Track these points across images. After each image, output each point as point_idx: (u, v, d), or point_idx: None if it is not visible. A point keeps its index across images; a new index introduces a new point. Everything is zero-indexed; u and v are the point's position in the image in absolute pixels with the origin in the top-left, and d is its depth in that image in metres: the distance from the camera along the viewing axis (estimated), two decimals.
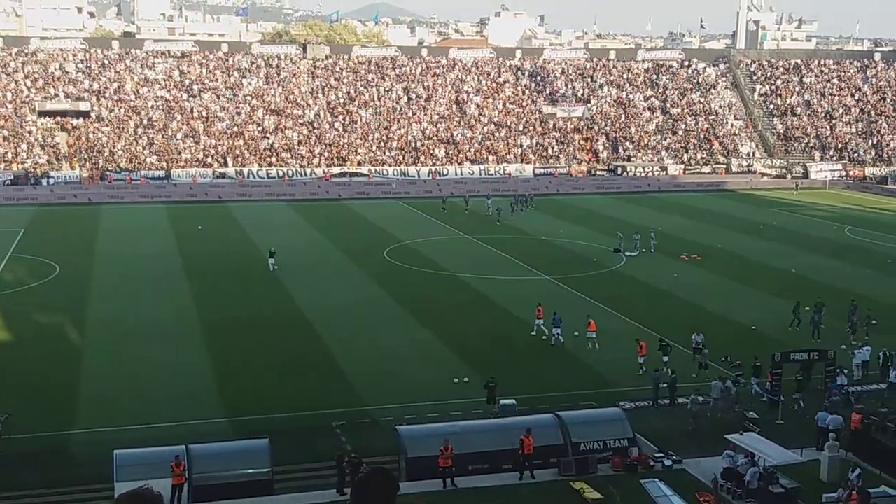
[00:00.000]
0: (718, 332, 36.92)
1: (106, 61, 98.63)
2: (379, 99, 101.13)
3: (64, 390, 30.84)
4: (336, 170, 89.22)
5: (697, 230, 63.68)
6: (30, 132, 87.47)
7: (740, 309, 42.34)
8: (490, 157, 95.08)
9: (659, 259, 53.59)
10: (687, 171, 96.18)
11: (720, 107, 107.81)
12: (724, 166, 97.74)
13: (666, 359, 33.13)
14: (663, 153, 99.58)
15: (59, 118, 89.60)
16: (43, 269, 48.70)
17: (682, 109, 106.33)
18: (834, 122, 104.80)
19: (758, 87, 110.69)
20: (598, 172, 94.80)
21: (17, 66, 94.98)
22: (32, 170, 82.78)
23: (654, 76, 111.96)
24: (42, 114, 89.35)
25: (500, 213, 66.67)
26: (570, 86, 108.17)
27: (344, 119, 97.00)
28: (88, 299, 42.88)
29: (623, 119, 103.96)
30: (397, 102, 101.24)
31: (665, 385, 30.93)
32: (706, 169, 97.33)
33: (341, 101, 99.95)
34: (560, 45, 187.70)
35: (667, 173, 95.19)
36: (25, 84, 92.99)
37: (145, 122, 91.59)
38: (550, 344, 36.13)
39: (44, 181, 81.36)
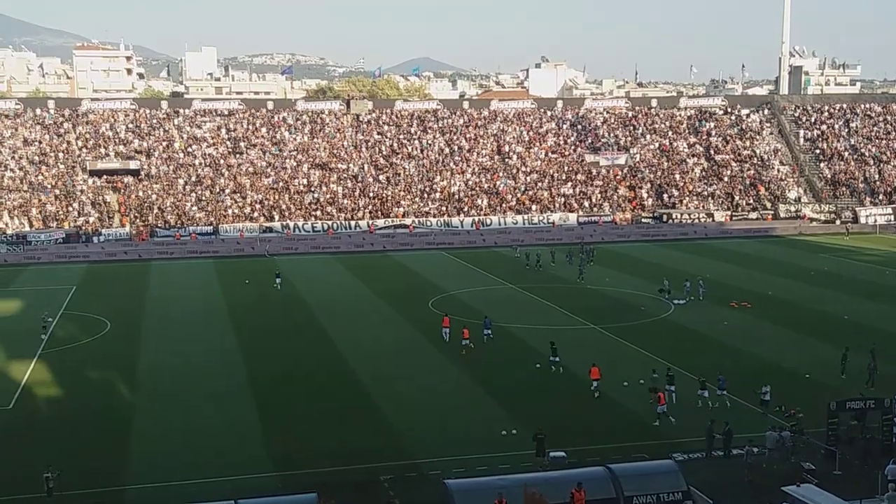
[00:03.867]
0: (770, 381, 36.08)
1: (155, 121, 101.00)
2: (422, 151, 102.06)
3: (114, 446, 31.01)
4: (380, 222, 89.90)
5: (746, 277, 62.78)
6: (81, 191, 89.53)
7: (793, 356, 41.44)
8: (533, 207, 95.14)
9: (708, 306, 52.83)
10: (734, 218, 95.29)
11: (765, 152, 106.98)
12: (772, 212, 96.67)
13: (672, 387, 34.60)
14: (709, 200, 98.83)
15: (109, 177, 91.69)
16: (94, 326, 49.40)
17: (727, 156, 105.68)
18: (882, 165, 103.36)
19: (803, 132, 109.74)
20: (643, 220, 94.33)
21: (69, 127, 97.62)
22: (84, 228, 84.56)
23: (698, 123, 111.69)
24: (93, 173, 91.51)
25: (540, 261, 66.21)
26: (612, 134, 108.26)
27: (387, 172, 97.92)
28: (138, 355, 43.30)
29: (667, 166, 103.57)
30: (440, 154, 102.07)
31: (719, 436, 30.24)
32: (753, 215, 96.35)
33: (384, 154, 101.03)
34: (601, 94, 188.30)
35: (713, 220, 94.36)
36: (77, 144, 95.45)
37: (193, 179, 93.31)
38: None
39: (95, 239, 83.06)
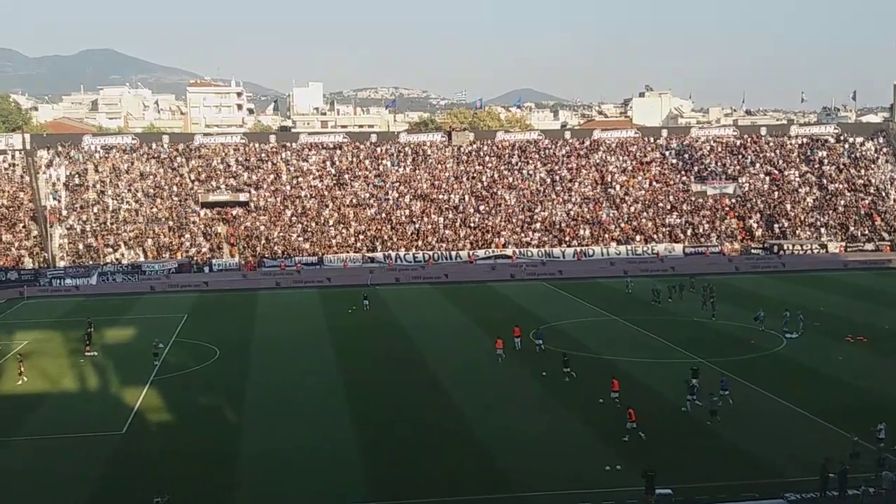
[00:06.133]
0: (887, 418, 34.27)
1: (263, 154, 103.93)
2: (523, 181, 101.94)
3: (221, 472, 31.61)
4: (480, 252, 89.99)
5: (863, 310, 60.15)
6: (193, 222, 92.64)
7: None
8: (637, 237, 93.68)
9: (821, 340, 50.78)
10: (849, 249, 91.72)
11: (881, 182, 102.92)
12: (889, 243, 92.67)
13: (695, 381, 38.07)
14: (822, 230, 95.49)
15: (220, 209, 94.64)
16: (204, 353, 50.74)
17: (841, 185, 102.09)
18: None
19: None
20: (752, 251, 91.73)
21: (183, 161, 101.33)
22: (195, 258, 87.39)
23: (809, 151, 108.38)
24: (205, 205, 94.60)
25: (658, 295, 64.61)
26: (719, 163, 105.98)
27: (488, 202, 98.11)
28: (246, 381, 44.21)
29: (777, 195, 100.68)
30: (541, 184, 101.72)
31: (833, 475, 28.86)
32: (869, 246, 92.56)
33: (485, 184, 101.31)
34: (708, 122, 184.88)
35: (826, 251, 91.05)
36: (189, 177, 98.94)
37: (300, 210, 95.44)
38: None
39: (206, 268, 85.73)
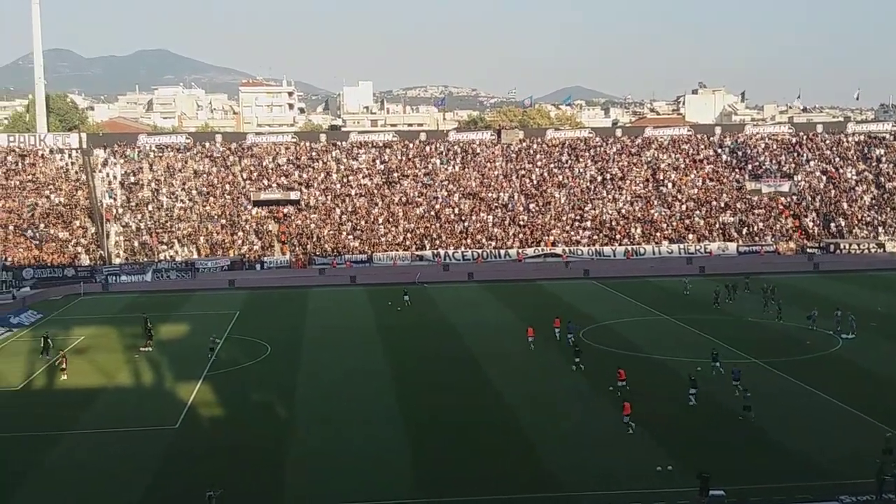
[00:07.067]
0: None
1: (314, 153, 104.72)
2: (573, 179, 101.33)
3: (272, 468, 31.89)
4: (530, 251, 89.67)
5: None
6: (245, 221, 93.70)
7: None
8: (690, 236, 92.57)
9: (878, 342, 49.66)
10: None
11: None
12: None
13: (717, 363, 41.58)
14: (879, 229, 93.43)
15: (271, 207, 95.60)
16: (256, 349, 51.29)
17: None
18: None
19: None
20: (808, 250, 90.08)
21: (235, 160, 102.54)
22: (247, 256, 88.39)
23: (866, 149, 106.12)
24: (256, 203, 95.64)
25: (718, 297, 62.92)
26: (774, 161, 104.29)
27: (537, 200, 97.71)
28: (296, 378, 44.58)
29: (834, 194, 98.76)
30: (591, 182, 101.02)
31: (890, 477, 28.19)
32: None
33: (535, 182, 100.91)
34: (762, 120, 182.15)
35: (884, 250, 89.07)
36: (242, 176, 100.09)
37: (349, 209, 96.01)
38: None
39: (257, 266, 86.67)
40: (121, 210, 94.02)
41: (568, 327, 50.04)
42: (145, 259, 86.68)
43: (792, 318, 56.38)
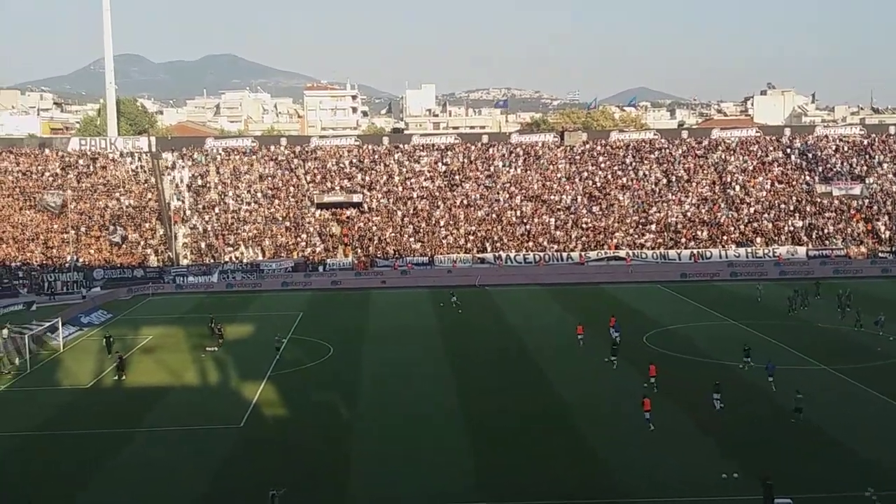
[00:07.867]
0: None
1: (376, 156, 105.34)
2: (637, 182, 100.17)
3: (334, 468, 32.08)
4: (592, 254, 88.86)
5: None
6: (309, 223, 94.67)
7: None
8: (758, 239, 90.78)
9: None
10: None
11: None
12: None
13: (748, 359, 43.53)
14: None
15: (334, 209, 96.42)
16: (318, 350, 51.76)
17: None
18: None
19: None
20: (880, 254, 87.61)
21: (299, 163, 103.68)
22: (311, 257, 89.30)
23: None
24: (320, 206, 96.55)
25: (793, 303, 61.23)
26: (845, 163, 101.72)
27: (601, 203, 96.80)
28: (359, 379, 44.84)
29: None
30: (656, 185, 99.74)
31: None
32: None
33: (598, 185, 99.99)
34: (833, 121, 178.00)
35: None
36: (305, 179, 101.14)
37: (411, 211, 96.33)
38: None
39: (320, 268, 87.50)
40: (188, 212, 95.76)
41: (615, 327, 51.31)
42: (211, 261, 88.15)
43: (865, 324, 54.83)
